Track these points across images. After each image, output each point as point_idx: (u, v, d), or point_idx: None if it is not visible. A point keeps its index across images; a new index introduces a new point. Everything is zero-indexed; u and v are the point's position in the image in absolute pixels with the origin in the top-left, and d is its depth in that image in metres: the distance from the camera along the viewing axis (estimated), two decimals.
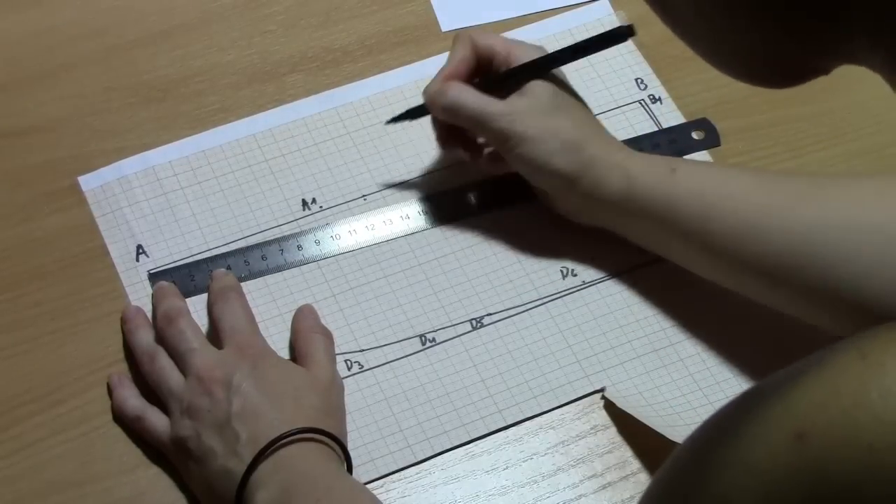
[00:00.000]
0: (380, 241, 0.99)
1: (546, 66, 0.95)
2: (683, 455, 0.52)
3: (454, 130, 0.98)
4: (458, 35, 0.97)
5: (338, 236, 0.99)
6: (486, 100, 0.94)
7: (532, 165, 0.93)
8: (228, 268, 0.96)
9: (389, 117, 1.02)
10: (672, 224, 0.91)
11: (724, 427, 0.50)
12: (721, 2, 0.51)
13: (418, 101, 0.98)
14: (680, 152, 1.03)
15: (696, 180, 0.90)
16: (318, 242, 0.98)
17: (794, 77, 0.55)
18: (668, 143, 1.04)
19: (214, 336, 0.91)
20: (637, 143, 1.03)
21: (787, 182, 0.90)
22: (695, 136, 1.04)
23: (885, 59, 0.50)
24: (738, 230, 0.88)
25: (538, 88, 0.94)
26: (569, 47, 0.96)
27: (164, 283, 0.95)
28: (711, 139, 1.04)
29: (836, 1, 0.48)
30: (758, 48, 0.53)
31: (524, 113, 0.93)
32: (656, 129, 1.05)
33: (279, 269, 0.97)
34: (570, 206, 0.96)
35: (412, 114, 1.00)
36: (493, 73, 0.96)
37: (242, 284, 0.95)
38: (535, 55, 0.95)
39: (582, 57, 0.96)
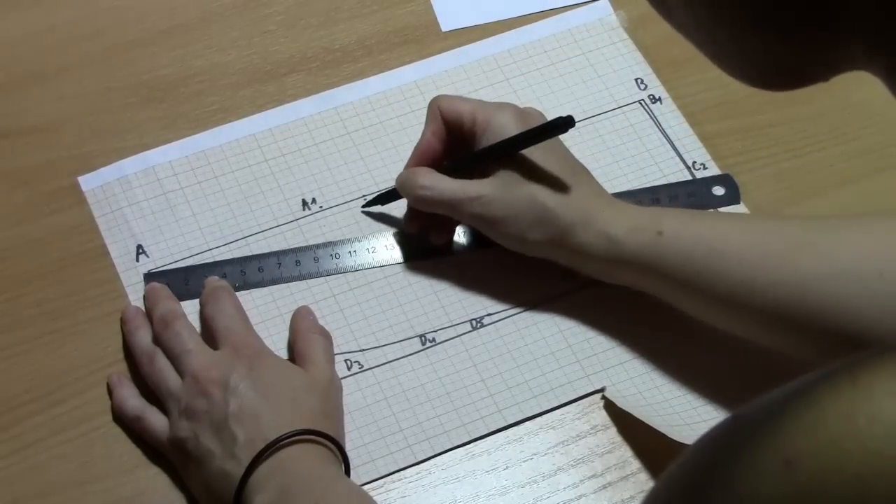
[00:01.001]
0: (379, 264, 0.98)
1: (504, 151, 0.93)
2: (673, 480, 0.51)
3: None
4: (429, 104, 0.96)
5: (337, 255, 0.98)
6: (457, 185, 0.93)
7: (512, 242, 0.94)
8: (224, 276, 0.96)
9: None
10: (663, 283, 0.91)
11: (713, 452, 0.49)
12: (716, 13, 0.52)
13: (418, 100, 0.98)
14: (700, 206, 1.00)
15: (683, 242, 0.89)
16: (316, 260, 0.98)
17: (793, 82, 0.55)
18: (686, 195, 1.01)
19: (209, 337, 0.91)
20: (653, 193, 1.00)
21: (780, 231, 0.89)
22: (715, 191, 1.02)
23: (881, 65, 0.50)
24: (732, 288, 0.88)
25: (504, 166, 0.93)
26: (522, 134, 0.93)
27: (155, 284, 0.95)
28: (732, 196, 1.01)
29: (825, 11, 0.48)
30: (754, 56, 0.53)
31: (495, 193, 0.92)
32: (657, 129, 1.05)
33: (274, 282, 0.97)
34: (566, 265, 0.95)
35: (385, 198, 0.99)
36: (459, 156, 0.95)
37: (239, 294, 0.95)
38: (498, 117, 0.94)
39: (533, 144, 0.93)
